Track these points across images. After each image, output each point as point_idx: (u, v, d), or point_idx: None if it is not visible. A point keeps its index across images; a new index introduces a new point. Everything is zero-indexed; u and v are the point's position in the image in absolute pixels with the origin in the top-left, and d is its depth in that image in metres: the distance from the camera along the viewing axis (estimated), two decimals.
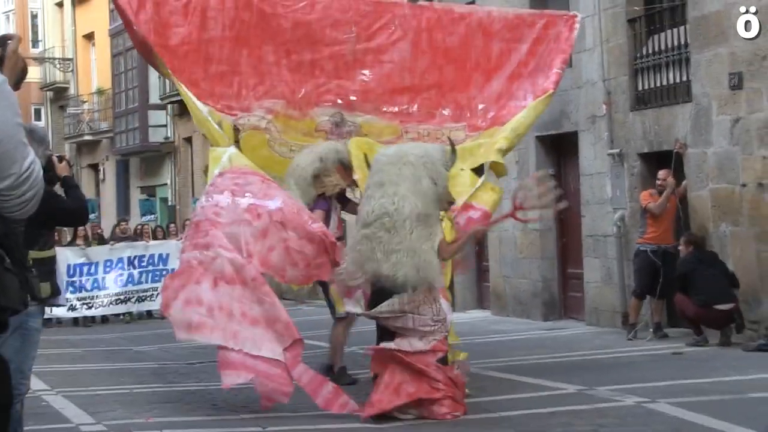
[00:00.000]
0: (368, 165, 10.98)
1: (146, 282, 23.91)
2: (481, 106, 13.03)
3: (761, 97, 14.64)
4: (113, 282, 23.98)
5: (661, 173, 15.85)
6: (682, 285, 14.81)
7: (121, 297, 24.10)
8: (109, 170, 42.57)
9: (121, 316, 24.88)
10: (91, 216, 27.47)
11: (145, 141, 37.85)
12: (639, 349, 15.00)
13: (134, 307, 24.30)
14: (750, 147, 14.84)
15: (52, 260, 7.79)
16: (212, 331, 10.47)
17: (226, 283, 10.48)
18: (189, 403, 11.81)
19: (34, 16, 49.10)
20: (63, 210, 7.82)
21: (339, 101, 12.51)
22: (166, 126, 37.58)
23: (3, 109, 4.08)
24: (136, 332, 22.23)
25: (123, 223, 27.51)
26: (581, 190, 18.42)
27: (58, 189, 8.02)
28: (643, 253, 15.85)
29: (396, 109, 12.73)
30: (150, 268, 24.01)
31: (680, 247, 15.22)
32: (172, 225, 27.97)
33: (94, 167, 44.11)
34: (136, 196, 40.09)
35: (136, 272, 24.00)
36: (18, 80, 4.64)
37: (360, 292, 10.69)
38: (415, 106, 12.81)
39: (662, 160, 16.45)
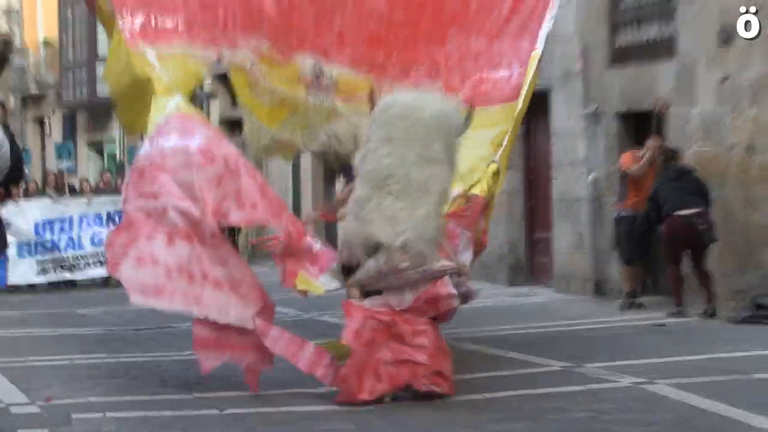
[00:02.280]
0: None
1: None
2: (457, 62, 11.79)
3: (754, 54, 13.53)
4: (89, 241, 21.75)
5: (649, 142, 14.56)
6: (656, 205, 13.86)
7: (101, 258, 20.52)
8: (55, 124, 41.16)
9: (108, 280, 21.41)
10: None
11: (93, 95, 36.02)
12: (618, 320, 13.95)
13: None
14: (740, 107, 13.73)
15: None
16: (172, 296, 9.05)
17: (182, 240, 9.06)
18: (135, 378, 10.48)
19: None
20: None
21: (318, 49, 11.24)
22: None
23: None
24: (82, 292, 20.91)
25: (106, 174, 25.71)
26: (552, 150, 17.24)
27: None
28: (626, 219, 14.71)
29: (372, 62, 11.47)
30: None
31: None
32: None
33: (40, 121, 42.67)
34: (84, 151, 38.62)
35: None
36: None
37: (336, 263, 9.48)
38: (390, 62, 11.56)
39: (641, 121, 15.31)
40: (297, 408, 8.82)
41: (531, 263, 18.48)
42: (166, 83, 10.13)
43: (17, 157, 6.64)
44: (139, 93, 10.33)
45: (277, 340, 9.16)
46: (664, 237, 13.98)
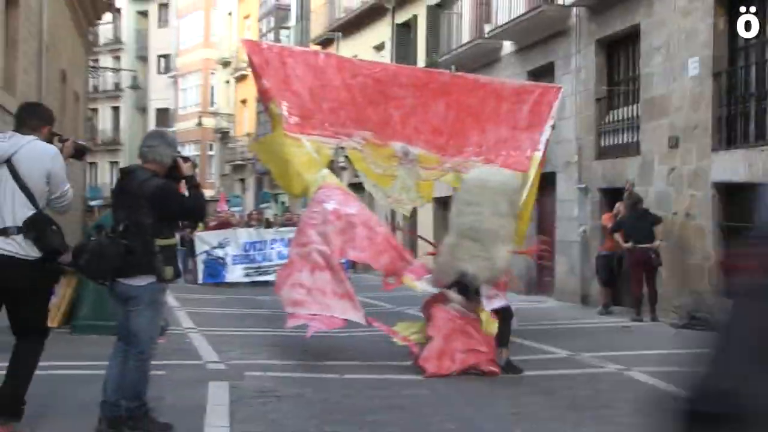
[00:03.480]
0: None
1: None
2: (492, 145, 10.85)
3: (692, 154, 12.31)
4: (276, 256, 19.65)
5: (618, 205, 13.47)
6: (617, 229, 12.80)
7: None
8: (250, 183, 40.89)
9: None
10: (237, 208, 24.70)
11: None
12: (598, 321, 12.71)
13: None
14: (681, 187, 12.52)
15: (174, 247, 5.46)
16: (311, 305, 8.39)
17: (319, 271, 8.45)
18: (287, 348, 9.52)
19: (212, 88, 47.64)
20: (183, 207, 5.47)
21: (404, 138, 10.39)
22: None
23: (58, 166, 4.96)
24: (268, 287, 19.84)
25: (288, 213, 24.59)
26: (557, 210, 16.09)
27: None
28: (604, 257, 13.56)
29: (437, 146, 10.61)
30: None
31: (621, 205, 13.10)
32: None
33: (242, 180, 42.41)
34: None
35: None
36: (76, 155, 5.42)
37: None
38: (449, 145, 10.71)
39: (615, 194, 14.12)
40: (391, 376, 7.81)
41: (540, 281, 17.29)
42: (313, 159, 9.42)
43: (200, 203, 5.73)
44: (283, 166, 9.64)
45: (381, 326, 8.63)
46: (630, 264, 12.72)
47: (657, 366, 8.32)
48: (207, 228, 20.91)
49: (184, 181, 5.47)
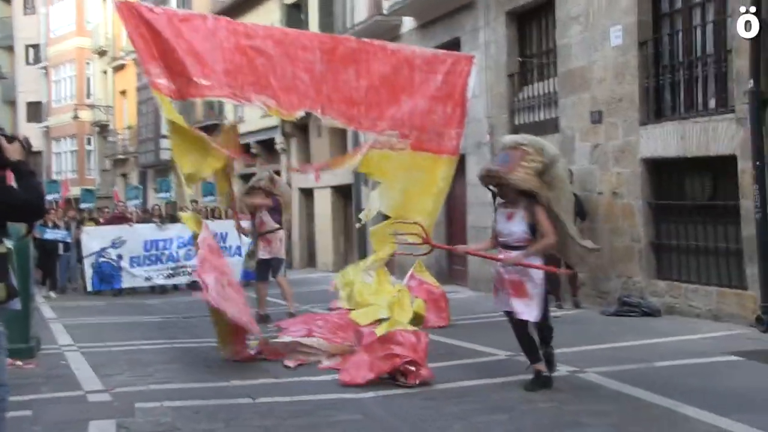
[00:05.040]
0: None
1: None
2: (407, 117, 10.22)
3: (617, 129, 11.49)
4: (183, 256, 16.82)
5: None
6: None
7: (189, 269, 16.18)
8: (133, 177, 38.52)
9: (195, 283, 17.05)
10: (135, 201, 21.48)
11: (158, 158, 33.99)
12: None
13: None
14: (607, 165, 11.69)
15: (5, 257, 3.88)
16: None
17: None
18: (186, 365, 8.09)
19: (88, 79, 44.74)
20: (12, 201, 3.87)
21: (315, 106, 9.34)
22: (171, 149, 33.95)
23: None
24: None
25: (194, 204, 21.95)
26: (467, 195, 15.11)
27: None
28: None
29: (350, 117, 9.68)
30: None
31: None
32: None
33: (125, 175, 39.97)
34: (151, 194, 36.00)
35: None
36: None
37: None
38: (362, 118, 9.70)
39: None
40: (312, 397, 6.48)
41: (451, 269, 16.29)
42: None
43: (36, 196, 4.21)
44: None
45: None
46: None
47: (610, 365, 7.39)
48: (98, 224, 18.49)
49: (11, 168, 3.96)
